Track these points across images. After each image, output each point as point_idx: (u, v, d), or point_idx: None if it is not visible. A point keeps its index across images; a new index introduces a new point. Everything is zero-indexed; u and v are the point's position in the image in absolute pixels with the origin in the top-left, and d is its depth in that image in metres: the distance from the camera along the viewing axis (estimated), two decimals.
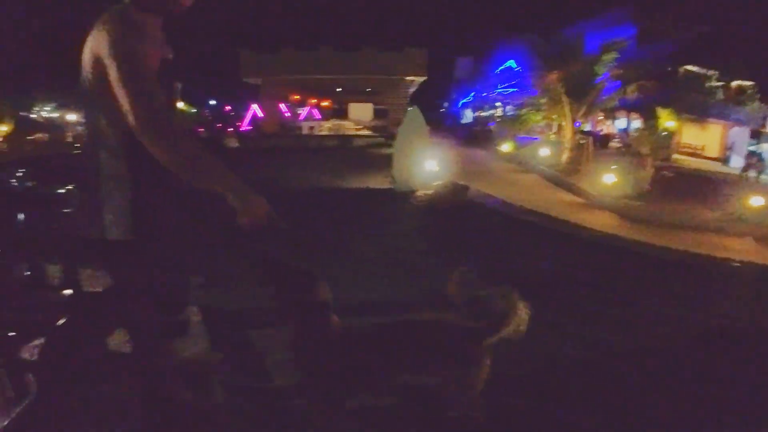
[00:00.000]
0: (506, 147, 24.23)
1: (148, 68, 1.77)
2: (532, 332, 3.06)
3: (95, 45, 1.78)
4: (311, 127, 32.07)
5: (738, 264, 7.15)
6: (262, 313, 3.85)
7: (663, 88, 26.06)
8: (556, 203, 12.38)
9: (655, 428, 2.75)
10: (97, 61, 1.78)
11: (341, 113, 37.85)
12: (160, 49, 1.92)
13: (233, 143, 22.92)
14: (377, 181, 11.34)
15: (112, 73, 1.73)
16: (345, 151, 19.81)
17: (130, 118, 1.70)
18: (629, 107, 29.95)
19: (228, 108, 53.31)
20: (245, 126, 34.30)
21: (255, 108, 35.20)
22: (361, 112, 37.58)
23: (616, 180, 13.94)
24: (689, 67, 34.28)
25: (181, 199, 2.18)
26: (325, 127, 32.01)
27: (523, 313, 2.27)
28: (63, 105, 37.82)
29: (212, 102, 57.03)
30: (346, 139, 26.79)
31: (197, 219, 2.32)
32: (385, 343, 2.32)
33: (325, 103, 38.55)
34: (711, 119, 33.98)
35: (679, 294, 5.34)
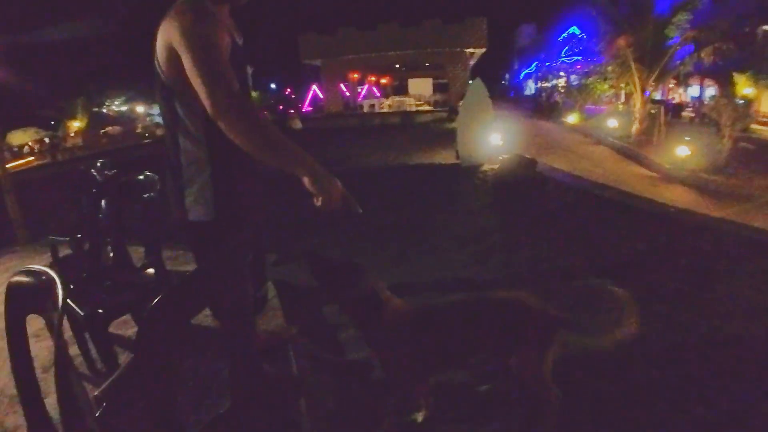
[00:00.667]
0: (573, 118, 23.63)
1: (221, 53, 1.77)
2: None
3: (168, 34, 1.80)
4: (372, 105, 32.10)
5: None
6: None
7: (740, 51, 24.38)
8: (629, 177, 11.96)
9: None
10: (171, 50, 1.80)
11: (401, 89, 37.71)
12: (230, 35, 1.94)
13: (297, 125, 23.26)
14: (442, 157, 11.22)
15: (186, 61, 1.74)
16: (408, 128, 19.70)
17: (207, 104, 1.70)
18: (703, 73, 28.30)
19: (288, 90, 54.10)
20: (306, 107, 34.76)
21: (315, 89, 35.56)
22: (421, 87, 37.29)
23: (690, 152, 13.29)
24: None
25: (259, 180, 2.24)
26: (386, 104, 31.97)
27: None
28: (132, 98, 39.42)
29: (273, 85, 58.00)
30: (408, 115, 26.62)
31: (272, 200, 2.36)
32: (458, 323, 2.28)
33: (384, 80, 38.52)
34: None
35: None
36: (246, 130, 1.72)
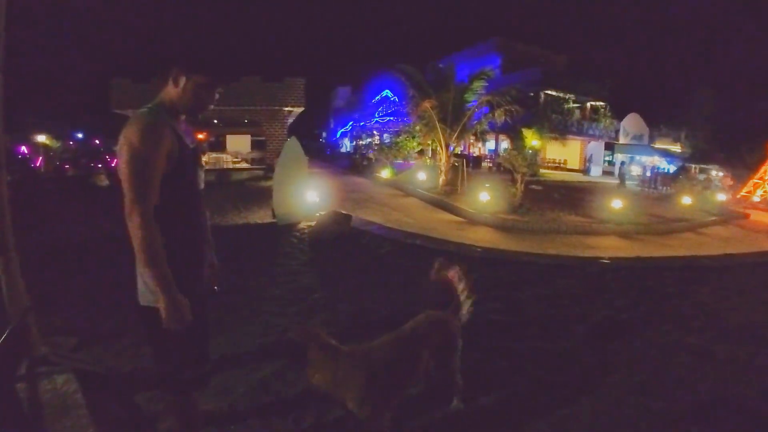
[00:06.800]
0: (385, 174, 24.79)
1: (151, 169, 2.08)
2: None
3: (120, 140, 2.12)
4: None
5: (607, 261, 7.97)
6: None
7: (527, 111, 28.21)
8: (438, 224, 12.72)
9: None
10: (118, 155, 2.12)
11: (218, 146, 36.86)
12: (177, 141, 2.21)
13: (103, 181, 20.71)
14: (258, 216, 10.92)
15: (120, 165, 2.09)
16: (223, 186, 19.02)
17: (125, 203, 2.04)
18: (498, 130, 32.07)
19: (97, 142, 49.82)
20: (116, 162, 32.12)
21: None
22: (239, 143, 36.80)
23: (490, 197, 14.79)
24: (549, 92, 37.72)
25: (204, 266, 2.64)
26: (202, 161, 30.87)
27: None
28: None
29: (79, 135, 52.95)
30: (224, 173, 25.87)
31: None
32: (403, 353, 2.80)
33: (201, 136, 37.41)
34: (570, 136, 37.86)
35: (561, 294, 5.84)
36: (137, 240, 2.04)
